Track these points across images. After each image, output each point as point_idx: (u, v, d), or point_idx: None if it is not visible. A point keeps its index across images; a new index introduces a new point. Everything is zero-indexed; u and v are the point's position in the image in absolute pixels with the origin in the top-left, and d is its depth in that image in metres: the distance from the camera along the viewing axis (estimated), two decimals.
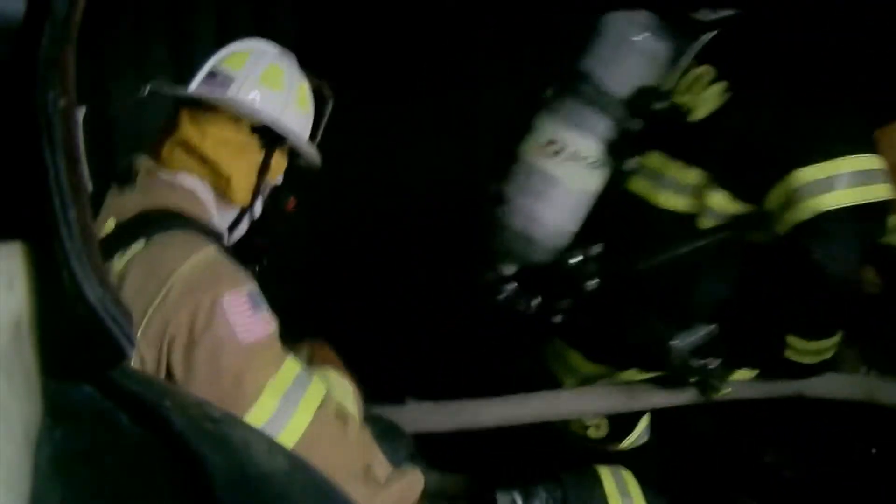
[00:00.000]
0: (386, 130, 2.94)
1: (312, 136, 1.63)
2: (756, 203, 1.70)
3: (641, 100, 1.81)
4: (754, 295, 1.75)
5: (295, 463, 0.60)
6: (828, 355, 1.75)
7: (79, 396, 0.60)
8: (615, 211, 1.86)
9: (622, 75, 1.82)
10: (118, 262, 1.36)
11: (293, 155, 1.59)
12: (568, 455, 2.05)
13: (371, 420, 1.59)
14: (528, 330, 2.08)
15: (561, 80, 1.88)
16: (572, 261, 1.85)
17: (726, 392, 1.82)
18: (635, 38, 1.82)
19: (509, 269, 1.95)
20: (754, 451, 2.13)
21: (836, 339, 1.73)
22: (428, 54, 2.82)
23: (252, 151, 1.49)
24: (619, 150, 1.83)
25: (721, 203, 1.73)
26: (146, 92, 1.52)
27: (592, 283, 1.84)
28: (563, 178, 1.83)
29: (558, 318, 1.91)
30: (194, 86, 1.50)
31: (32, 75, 0.49)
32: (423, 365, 2.44)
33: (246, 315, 1.30)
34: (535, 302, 1.91)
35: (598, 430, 2.00)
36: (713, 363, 1.77)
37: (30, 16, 0.49)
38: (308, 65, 1.67)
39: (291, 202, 1.57)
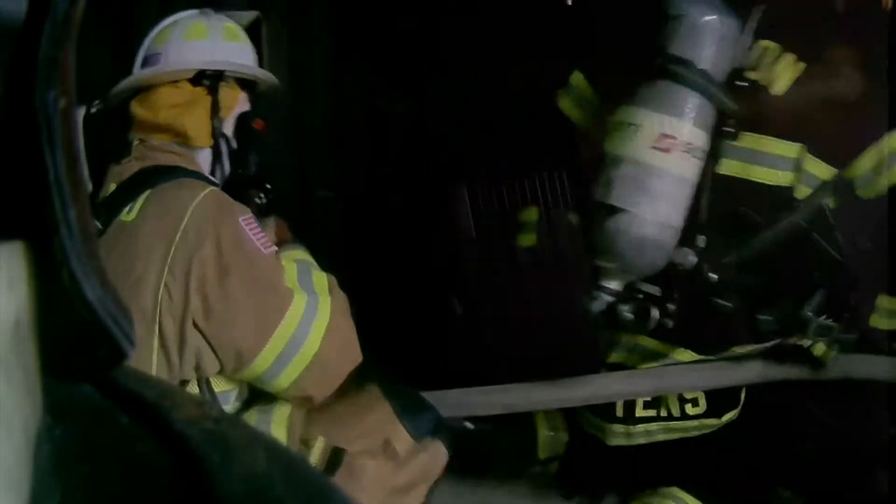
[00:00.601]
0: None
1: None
2: (842, 168, 1.74)
3: (733, 81, 1.77)
4: (855, 254, 1.78)
5: (294, 463, 0.61)
6: None
7: (79, 396, 0.61)
8: (711, 196, 1.79)
9: (722, 59, 1.75)
10: (128, 216, 1.51)
11: (251, 85, 1.72)
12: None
13: (395, 393, 1.66)
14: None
15: (648, 66, 1.77)
16: (690, 259, 1.75)
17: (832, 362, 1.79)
18: (716, 20, 1.74)
19: (617, 285, 1.79)
20: (789, 441, 2.12)
21: None
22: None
23: (200, 100, 1.61)
24: (717, 134, 1.78)
25: (820, 171, 1.76)
26: (94, 109, 1.67)
27: (713, 277, 1.75)
28: (677, 173, 1.73)
29: (670, 324, 1.79)
30: (133, 74, 1.65)
31: (32, 75, 0.49)
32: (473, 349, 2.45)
33: (259, 232, 1.49)
34: (655, 315, 1.76)
35: (695, 407, 1.95)
36: (828, 321, 1.75)
37: (30, 16, 0.49)
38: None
39: (259, 123, 1.69)
